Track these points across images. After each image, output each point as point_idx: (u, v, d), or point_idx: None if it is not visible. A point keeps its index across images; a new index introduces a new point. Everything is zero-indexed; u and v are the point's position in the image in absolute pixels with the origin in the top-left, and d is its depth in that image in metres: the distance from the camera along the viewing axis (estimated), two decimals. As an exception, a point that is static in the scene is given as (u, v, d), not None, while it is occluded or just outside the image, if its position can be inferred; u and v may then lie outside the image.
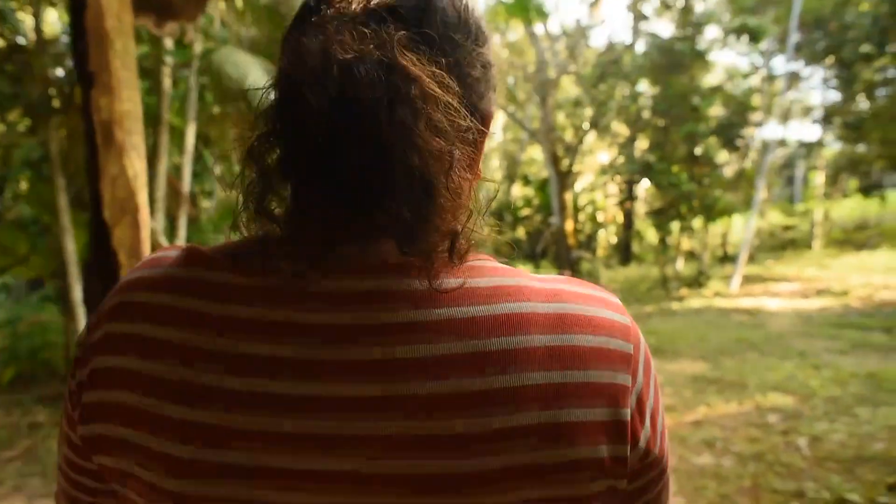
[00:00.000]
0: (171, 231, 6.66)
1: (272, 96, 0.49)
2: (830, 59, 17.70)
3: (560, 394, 0.47)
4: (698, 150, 13.59)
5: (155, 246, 5.72)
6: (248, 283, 0.49)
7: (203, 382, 0.47)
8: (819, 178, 23.72)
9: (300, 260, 0.48)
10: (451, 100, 0.47)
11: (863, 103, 18.11)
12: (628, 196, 16.21)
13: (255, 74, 5.86)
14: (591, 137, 17.78)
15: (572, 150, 16.19)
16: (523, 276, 0.52)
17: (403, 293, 0.48)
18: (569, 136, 17.21)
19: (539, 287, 0.52)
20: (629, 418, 0.50)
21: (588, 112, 15.81)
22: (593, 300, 0.54)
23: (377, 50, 0.45)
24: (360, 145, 0.45)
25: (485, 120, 0.56)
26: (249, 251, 0.51)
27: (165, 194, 6.33)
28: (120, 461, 0.50)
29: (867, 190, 22.56)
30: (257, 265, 0.50)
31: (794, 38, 15.92)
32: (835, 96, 20.91)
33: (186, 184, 6.87)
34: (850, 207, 26.63)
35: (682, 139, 13.57)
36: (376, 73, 0.44)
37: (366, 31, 0.46)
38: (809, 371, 6.23)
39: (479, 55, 0.54)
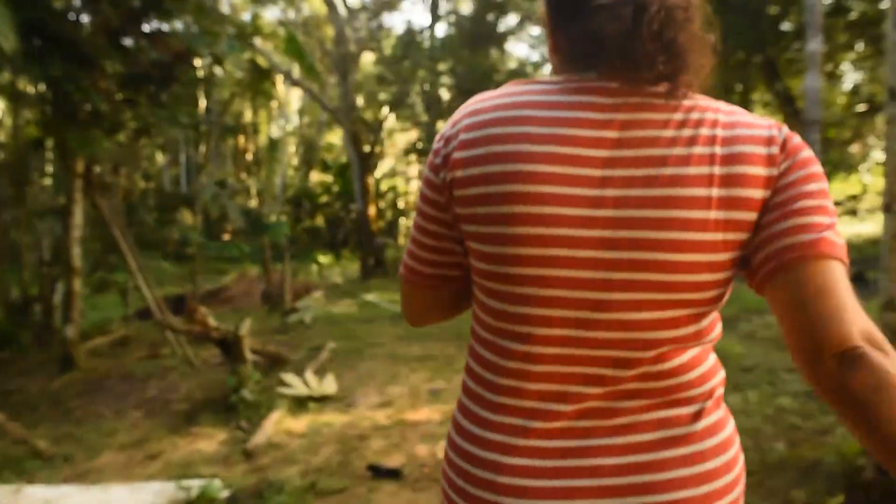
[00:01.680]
0: None
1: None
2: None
3: (736, 139, 0.78)
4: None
5: None
6: (547, 97, 0.83)
7: (514, 154, 0.79)
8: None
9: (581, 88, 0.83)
10: (696, 14, 0.79)
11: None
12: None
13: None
14: (392, 118, 16.77)
15: (374, 131, 15.02)
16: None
17: (661, 105, 0.80)
18: (370, 116, 16.02)
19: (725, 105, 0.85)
20: (785, 145, 0.79)
21: (390, 90, 14.73)
22: None
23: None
24: (648, 34, 0.77)
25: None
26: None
27: None
28: (472, 198, 0.81)
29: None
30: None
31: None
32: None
33: None
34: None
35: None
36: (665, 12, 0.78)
37: None
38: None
39: None
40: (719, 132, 0.78)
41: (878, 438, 0.66)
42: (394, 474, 3.48)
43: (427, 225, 0.90)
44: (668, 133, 0.77)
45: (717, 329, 0.87)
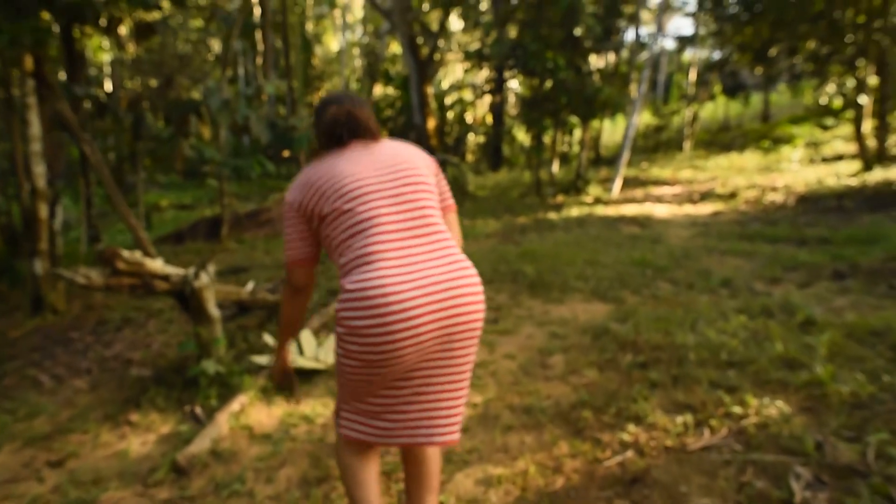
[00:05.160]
0: None
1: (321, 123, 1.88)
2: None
3: (425, 160, 1.84)
4: (578, 31, 10.84)
5: None
6: (326, 160, 1.80)
7: (326, 177, 1.73)
8: (688, 80, 21.96)
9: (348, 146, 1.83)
10: (369, 112, 1.89)
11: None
12: (498, 87, 13.24)
13: None
14: (456, 21, 14.61)
15: (433, 36, 12.95)
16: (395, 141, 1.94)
17: (375, 147, 1.81)
18: (430, 19, 13.88)
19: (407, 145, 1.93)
20: (434, 162, 1.91)
21: (451, -14, 12.50)
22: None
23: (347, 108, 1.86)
24: (350, 120, 1.84)
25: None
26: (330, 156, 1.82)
27: None
28: (318, 202, 1.71)
29: (732, 91, 21.08)
30: (335, 155, 1.82)
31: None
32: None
33: None
34: (712, 109, 25.41)
35: (560, 17, 10.74)
36: (346, 111, 1.85)
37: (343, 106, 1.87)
38: (766, 323, 3.79)
39: (367, 108, 1.92)
40: (409, 146, 1.88)
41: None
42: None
43: (302, 230, 1.76)
44: (393, 151, 1.81)
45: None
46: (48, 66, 4.70)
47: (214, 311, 3.64)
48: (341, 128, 1.79)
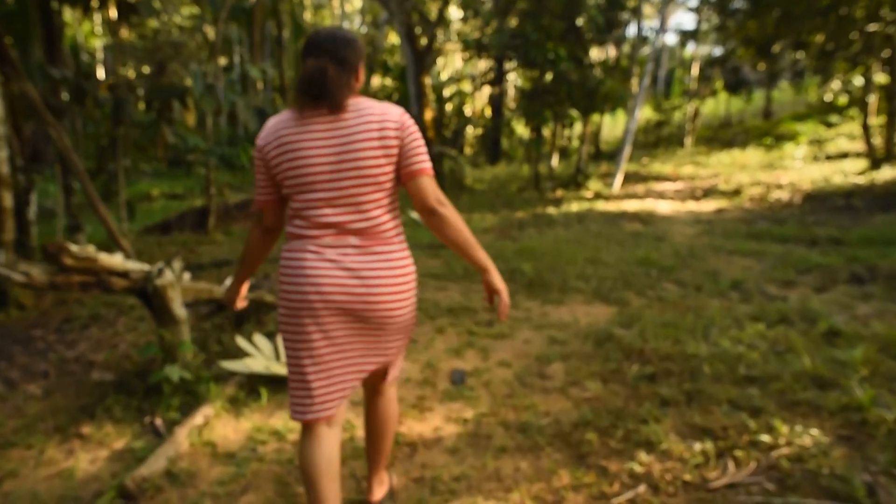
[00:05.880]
0: None
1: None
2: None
3: (384, 118, 1.75)
4: (580, 22, 10.42)
5: None
6: (294, 120, 1.79)
7: (288, 146, 1.77)
8: (689, 75, 21.56)
9: (305, 112, 1.78)
10: (344, 71, 1.77)
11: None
12: (497, 79, 12.82)
13: None
14: (454, 10, 14.16)
15: (432, 25, 12.52)
16: (368, 99, 1.81)
17: (336, 125, 1.75)
18: (428, 8, 13.44)
19: (375, 102, 1.82)
20: (401, 125, 1.78)
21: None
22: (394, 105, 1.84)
23: (323, 65, 1.75)
24: (319, 83, 1.74)
25: (357, 71, 1.82)
26: (290, 114, 1.82)
27: None
28: (277, 167, 1.80)
29: (734, 87, 20.69)
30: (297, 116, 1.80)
31: None
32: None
33: None
34: (713, 105, 25.00)
35: (562, 8, 10.32)
36: (320, 69, 1.73)
37: (321, 60, 1.76)
38: (786, 332, 3.44)
39: (356, 53, 1.81)
40: (375, 115, 1.75)
41: (449, 242, 1.80)
42: None
43: (263, 177, 1.85)
44: (353, 131, 1.73)
45: (387, 203, 1.85)
46: (8, 41, 4.31)
47: (180, 311, 3.27)
48: (312, 89, 1.75)
